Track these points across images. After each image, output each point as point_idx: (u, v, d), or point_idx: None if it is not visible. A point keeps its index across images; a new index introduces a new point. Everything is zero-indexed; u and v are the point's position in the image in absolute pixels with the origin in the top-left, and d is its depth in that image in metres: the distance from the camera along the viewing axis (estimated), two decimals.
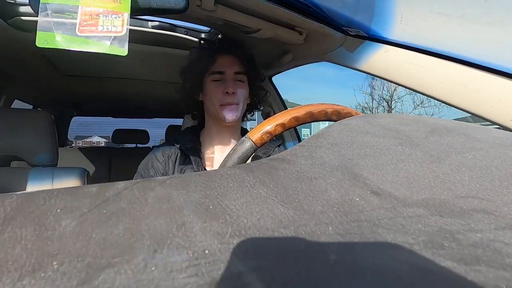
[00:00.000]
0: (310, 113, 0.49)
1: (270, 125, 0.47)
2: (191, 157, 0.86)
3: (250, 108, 1.01)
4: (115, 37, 0.45)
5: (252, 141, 0.46)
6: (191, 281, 0.15)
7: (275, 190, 0.23)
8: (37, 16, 0.97)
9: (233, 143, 0.93)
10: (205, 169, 0.86)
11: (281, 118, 0.48)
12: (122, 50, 0.46)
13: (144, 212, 0.20)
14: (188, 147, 0.87)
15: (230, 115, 0.86)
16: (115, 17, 0.45)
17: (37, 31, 0.42)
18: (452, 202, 0.21)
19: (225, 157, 0.46)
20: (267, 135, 0.47)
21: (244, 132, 1.00)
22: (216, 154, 0.92)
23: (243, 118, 1.01)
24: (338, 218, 0.20)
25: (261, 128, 0.47)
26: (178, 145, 0.88)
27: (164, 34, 1.14)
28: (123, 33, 0.45)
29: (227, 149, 0.92)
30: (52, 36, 0.43)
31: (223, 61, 0.88)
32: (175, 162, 0.87)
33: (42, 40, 0.43)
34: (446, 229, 0.18)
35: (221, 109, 0.86)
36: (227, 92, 0.85)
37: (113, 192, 0.22)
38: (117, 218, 0.19)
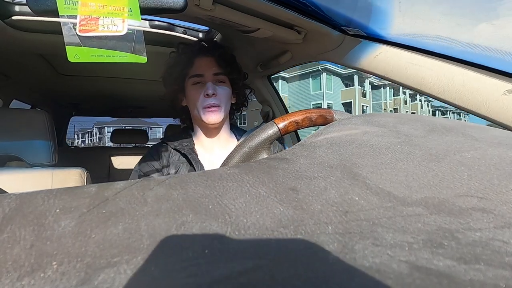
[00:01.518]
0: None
1: (299, 116, 0.49)
2: (187, 155, 0.86)
3: (237, 107, 1.00)
4: (120, 38, 0.45)
5: (278, 127, 0.47)
6: (191, 281, 0.15)
7: (275, 190, 0.23)
8: (34, 16, 0.96)
9: (225, 142, 0.94)
10: (203, 167, 0.87)
11: (311, 113, 0.49)
12: (143, 58, 0.47)
13: (143, 212, 0.20)
14: (183, 146, 0.88)
15: (212, 118, 0.85)
16: (116, 14, 0.45)
17: (66, 46, 0.42)
18: (451, 201, 0.21)
19: (246, 138, 0.47)
20: (294, 124, 0.48)
21: (235, 129, 1.00)
22: (209, 153, 0.93)
23: (232, 117, 1.01)
24: (338, 217, 0.20)
25: (289, 117, 0.48)
26: (173, 145, 0.89)
27: (163, 33, 1.14)
28: (124, 32, 0.45)
29: (219, 148, 0.93)
30: (81, 50, 0.44)
31: (201, 63, 0.87)
32: (169, 160, 0.88)
33: (73, 55, 0.43)
34: (445, 228, 0.18)
35: (203, 112, 0.85)
36: (207, 94, 0.84)
37: (112, 192, 0.22)
38: (116, 218, 0.19)
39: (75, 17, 0.43)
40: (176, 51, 0.94)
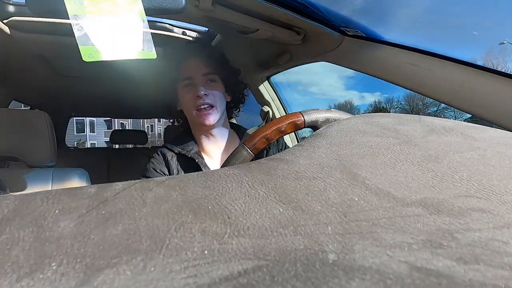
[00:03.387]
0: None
1: (268, 130, 0.48)
2: (195, 159, 0.85)
3: (235, 105, 0.99)
4: (130, 35, 0.45)
5: (248, 149, 0.47)
6: (190, 282, 0.15)
7: (274, 190, 0.23)
8: (34, 17, 0.96)
9: (226, 142, 0.93)
10: (209, 169, 0.86)
11: (278, 123, 0.48)
12: (152, 53, 0.47)
13: (143, 212, 0.20)
14: (189, 150, 0.87)
15: (207, 120, 0.84)
16: (124, 12, 0.45)
17: (79, 46, 0.42)
18: (450, 201, 0.21)
19: (222, 165, 0.47)
20: (265, 140, 0.48)
21: (236, 127, 0.99)
22: (212, 156, 0.91)
23: (230, 115, 1.00)
24: (337, 218, 0.20)
25: (258, 134, 0.48)
26: (178, 150, 0.88)
27: (162, 34, 1.14)
28: (136, 28, 0.46)
29: (220, 148, 0.92)
30: (94, 49, 0.43)
31: (189, 65, 0.87)
32: (177, 165, 0.87)
33: (87, 54, 0.43)
34: (444, 228, 0.18)
35: (198, 114, 0.84)
36: (198, 96, 0.83)
37: (111, 193, 0.22)
38: (115, 219, 0.19)
39: (84, 16, 0.42)
40: (163, 56, 0.93)
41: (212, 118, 0.84)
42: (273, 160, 0.28)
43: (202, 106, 0.83)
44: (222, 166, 0.47)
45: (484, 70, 0.61)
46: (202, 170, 0.82)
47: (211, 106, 0.85)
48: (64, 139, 2.77)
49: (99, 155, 2.38)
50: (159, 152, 0.91)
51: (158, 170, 0.87)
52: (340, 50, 0.89)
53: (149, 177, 0.86)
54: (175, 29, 1.16)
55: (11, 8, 0.94)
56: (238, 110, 1.02)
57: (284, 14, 0.79)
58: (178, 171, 0.86)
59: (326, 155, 0.28)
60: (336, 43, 0.89)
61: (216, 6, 0.76)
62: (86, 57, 0.43)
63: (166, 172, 0.86)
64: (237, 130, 0.98)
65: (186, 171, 0.85)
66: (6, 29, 0.97)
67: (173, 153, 0.88)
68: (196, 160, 0.85)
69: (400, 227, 0.19)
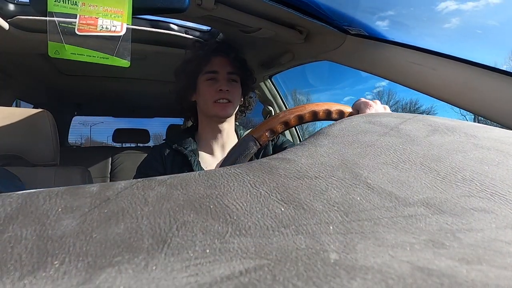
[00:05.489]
0: (313, 112, 0.49)
1: (274, 123, 0.47)
2: (188, 157, 0.87)
3: (242, 110, 1.04)
4: (118, 39, 0.46)
5: (256, 139, 0.47)
6: (192, 281, 0.15)
7: (276, 190, 0.23)
8: (37, 16, 0.97)
9: (228, 141, 0.95)
10: (202, 169, 0.87)
11: (284, 117, 0.48)
12: (125, 62, 0.48)
13: (145, 211, 0.20)
14: (185, 147, 0.89)
15: (222, 112, 0.89)
16: (115, 16, 0.45)
17: (48, 42, 0.44)
18: (453, 201, 0.21)
19: (226, 155, 0.47)
20: (270, 132, 0.47)
21: (238, 129, 1.01)
22: (213, 154, 0.93)
23: (236, 118, 1.03)
24: (339, 217, 0.20)
25: (264, 127, 0.47)
26: (175, 146, 0.90)
27: (164, 33, 1.14)
28: (122, 33, 0.46)
29: (222, 148, 0.94)
30: (62, 47, 0.45)
31: (217, 61, 0.92)
32: (173, 162, 0.88)
33: (53, 51, 0.45)
34: (447, 228, 0.18)
35: (214, 106, 0.89)
36: (220, 90, 0.88)
37: (113, 192, 0.22)
38: (117, 217, 0.19)
39: (62, 15, 0.43)
40: (193, 48, 0.98)
41: (227, 111, 0.90)
42: (275, 159, 0.28)
43: (221, 100, 0.89)
44: (226, 156, 0.47)
45: (489, 69, 0.61)
46: (192, 168, 0.85)
47: (230, 102, 0.90)
48: (67, 138, 2.79)
49: (101, 153, 2.38)
50: (156, 148, 0.94)
51: (153, 165, 0.90)
52: (343, 49, 0.89)
53: (145, 172, 0.89)
54: (178, 28, 1.16)
55: (15, 8, 0.95)
56: (244, 115, 1.07)
57: (286, 13, 0.78)
58: (171, 166, 0.89)
59: (328, 154, 0.28)
60: (339, 42, 0.88)
61: (219, 5, 0.76)
62: (51, 53, 0.44)
63: (160, 168, 0.89)
64: (237, 131, 1.01)
65: (179, 167, 0.88)
66: (11, 28, 0.98)
67: (169, 149, 0.91)
68: (189, 158, 0.87)
69: (402, 227, 0.19)
